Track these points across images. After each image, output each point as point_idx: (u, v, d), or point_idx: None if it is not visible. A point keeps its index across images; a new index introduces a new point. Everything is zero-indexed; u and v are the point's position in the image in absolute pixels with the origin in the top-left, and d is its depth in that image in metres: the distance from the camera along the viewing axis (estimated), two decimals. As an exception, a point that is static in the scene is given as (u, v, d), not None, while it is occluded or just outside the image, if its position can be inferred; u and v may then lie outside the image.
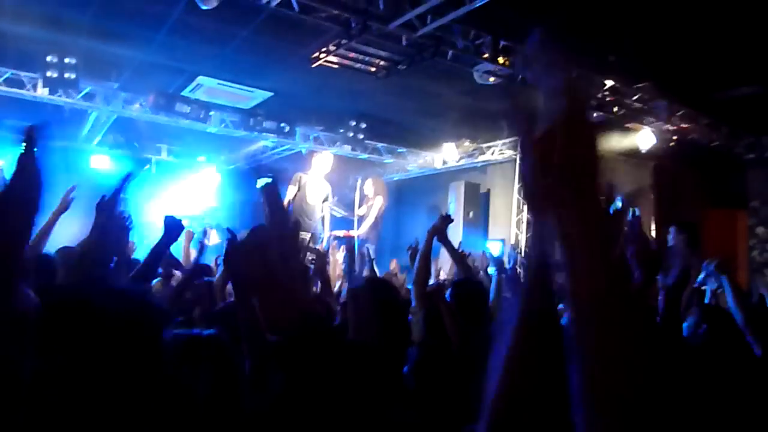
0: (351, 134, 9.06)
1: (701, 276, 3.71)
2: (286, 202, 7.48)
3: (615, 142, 8.49)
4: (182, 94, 7.99)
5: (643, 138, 8.00)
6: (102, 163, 10.25)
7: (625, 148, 8.57)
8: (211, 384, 1.65)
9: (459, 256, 3.60)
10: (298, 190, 7.47)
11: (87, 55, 6.70)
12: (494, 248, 8.95)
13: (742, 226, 9.47)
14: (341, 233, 9.24)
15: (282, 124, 8.82)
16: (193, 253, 4.64)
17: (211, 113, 8.40)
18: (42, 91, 7.12)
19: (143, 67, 7.11)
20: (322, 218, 7.74)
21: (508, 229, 9.37)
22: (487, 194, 10.19)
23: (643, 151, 8.21)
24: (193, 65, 7.18)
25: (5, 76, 7.07)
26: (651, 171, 9.75)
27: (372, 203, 9.31)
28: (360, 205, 9.50)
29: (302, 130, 9.20)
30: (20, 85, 7.15)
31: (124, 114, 7.96)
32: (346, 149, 9.37)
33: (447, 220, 3.32)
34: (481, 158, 9.79)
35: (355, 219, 9.16)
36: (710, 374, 2.22)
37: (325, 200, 7.91)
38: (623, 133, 8.07)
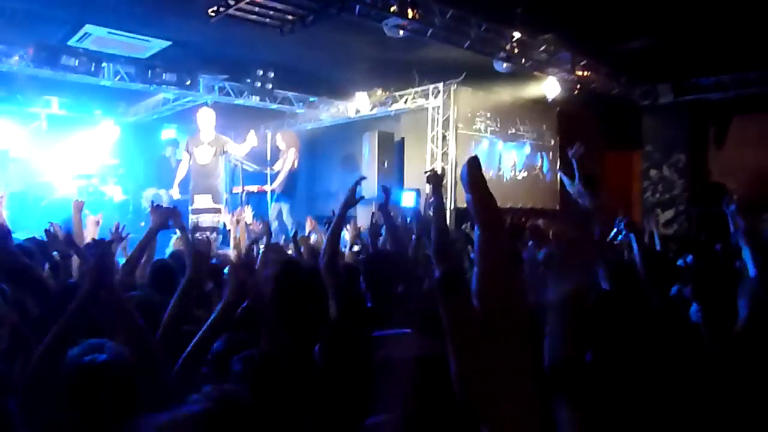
0: (259, 84, 8.67)
1: (614, 231, 4.00)
2: (181, 169, 7.78)
3: (523, 90, 8.80)
4: (68, 44, 7.27)
5: (549, 86, 8.33)
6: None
7: (533, 96, 8.90)
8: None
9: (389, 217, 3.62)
10: (191, 156, 7.52)
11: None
12: (409, 198, 9.09)
13: (637, 168, 10.16)
14: (255, 188, 9.03)
15: (183, 75, 8.28)
16: (93, 231, 4.32)
17: (104, 65, 7.73)
18: None
19: (19, 16, 6.36)
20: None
21: (421, 177, 9.48)
22: (401, 143, 10.21)
23: (549, 99, 8.55)
24: (77, 14, 6.52)
25: None
26: (556, 116, 10.18)
27: (286, 157, 9.11)
28: (272, 159, 9.27)
29: (206, 80, 8.68)
30: None
31: (1, 69, 7.16)
32: (255, 100, 8.99)
33: (359, 182, 3.29)
34: (394, 107, 9.72)
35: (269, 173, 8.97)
36: (613, 324, 2.40)
37: (225, 152, 7.72)
38: (530, 82, 8.35)
